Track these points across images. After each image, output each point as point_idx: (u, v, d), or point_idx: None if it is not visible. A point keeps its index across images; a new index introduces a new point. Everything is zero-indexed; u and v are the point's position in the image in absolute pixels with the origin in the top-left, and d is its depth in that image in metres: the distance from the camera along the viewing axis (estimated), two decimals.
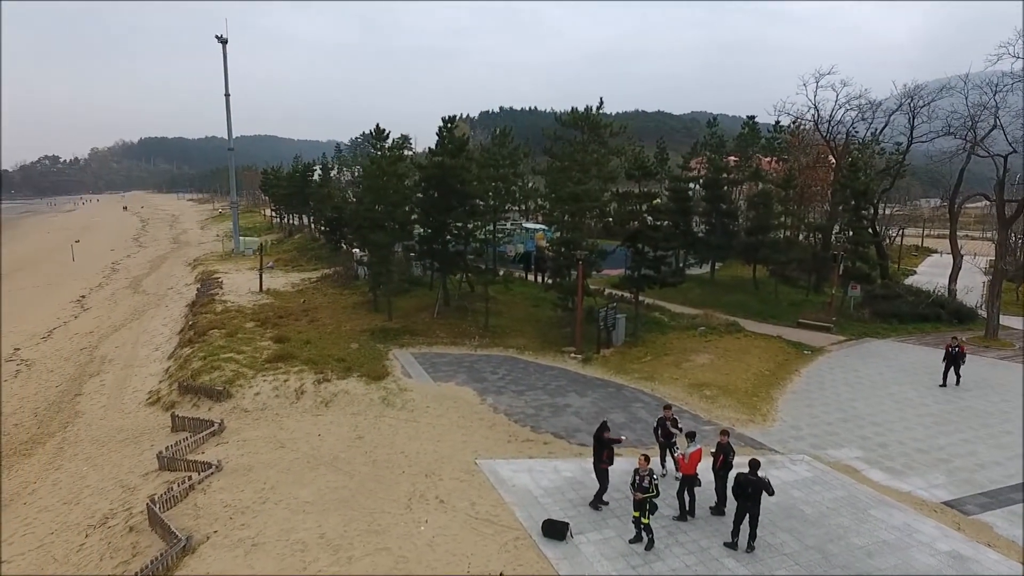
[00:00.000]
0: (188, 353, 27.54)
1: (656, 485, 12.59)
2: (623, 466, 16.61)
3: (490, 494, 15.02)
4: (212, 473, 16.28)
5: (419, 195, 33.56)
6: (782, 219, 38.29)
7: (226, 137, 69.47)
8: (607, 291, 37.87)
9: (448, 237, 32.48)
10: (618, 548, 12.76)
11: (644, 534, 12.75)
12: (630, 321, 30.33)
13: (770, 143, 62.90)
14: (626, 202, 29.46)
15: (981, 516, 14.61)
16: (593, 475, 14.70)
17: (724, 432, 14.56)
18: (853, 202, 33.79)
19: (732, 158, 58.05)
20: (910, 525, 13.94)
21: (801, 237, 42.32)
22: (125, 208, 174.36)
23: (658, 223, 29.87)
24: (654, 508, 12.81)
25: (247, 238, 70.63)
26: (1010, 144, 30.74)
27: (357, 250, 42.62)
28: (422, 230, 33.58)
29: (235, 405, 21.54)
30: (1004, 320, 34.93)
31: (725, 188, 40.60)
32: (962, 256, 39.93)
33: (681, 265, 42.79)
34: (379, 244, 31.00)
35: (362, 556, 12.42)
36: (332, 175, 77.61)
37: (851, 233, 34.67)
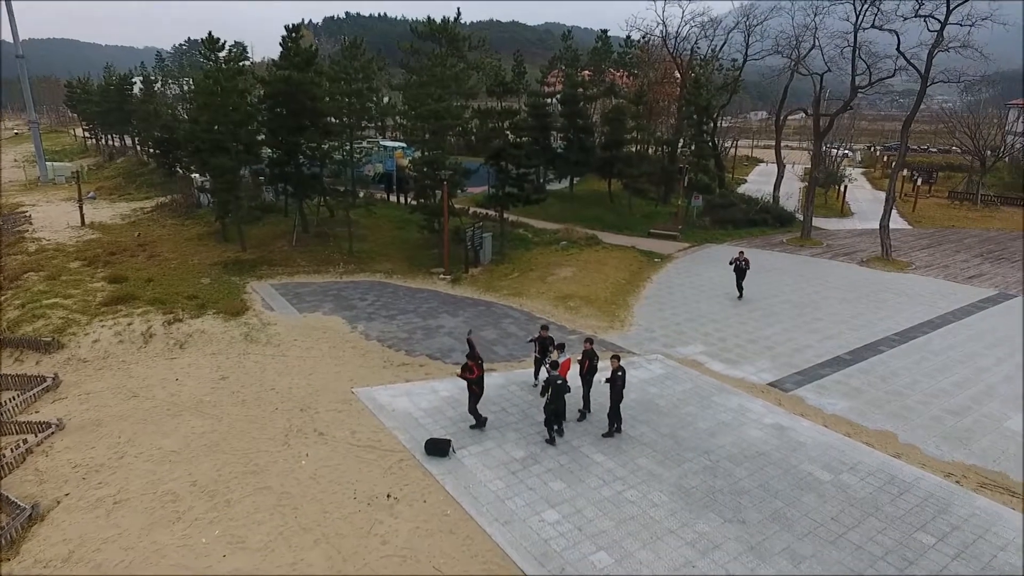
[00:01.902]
0: None
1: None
2: (497, 380, 17.47)
3: (370, 421, 15.11)
4: (52, 433, 14.75)
5: (265, 113, 30.71)
6: (634, 134, 40.04)
7: (11, 41, 57.86)
8: (472, 210, 37.96)
9: (301, 159, 30.34)
10: (498, 458, 13.55)
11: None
12: (496, 239, 30.82)
13: (622, 58, 64.42)
14: (488, 120, 29.10)
15: (796, 391, 17.24)
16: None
17: (588, 340, 15.63)
18: (696, 117, 36.03)
19: (586, 73, 58.88)
20: (743, 406, 16.15)
21: (651, 151, 44.71)
22: None
23: (520, 140, 29.97)
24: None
25: (56, 163, 60.86)
26: (826, 63, 34.06)
27: (197, 175, 38.57)
28: (271, 152, 31.02)
29: (70, 356, 19.33)
30: (816, 222, 40.04)
31: (581, 104, 41.36)
32: (784, 166, 44.54)
33: (541, 181, 43.67)
34: (223, 168, 28.26)
35: (241, 498, 12.11)
36: (157, 89, 68.09)
37: (694, 147, 37.18)
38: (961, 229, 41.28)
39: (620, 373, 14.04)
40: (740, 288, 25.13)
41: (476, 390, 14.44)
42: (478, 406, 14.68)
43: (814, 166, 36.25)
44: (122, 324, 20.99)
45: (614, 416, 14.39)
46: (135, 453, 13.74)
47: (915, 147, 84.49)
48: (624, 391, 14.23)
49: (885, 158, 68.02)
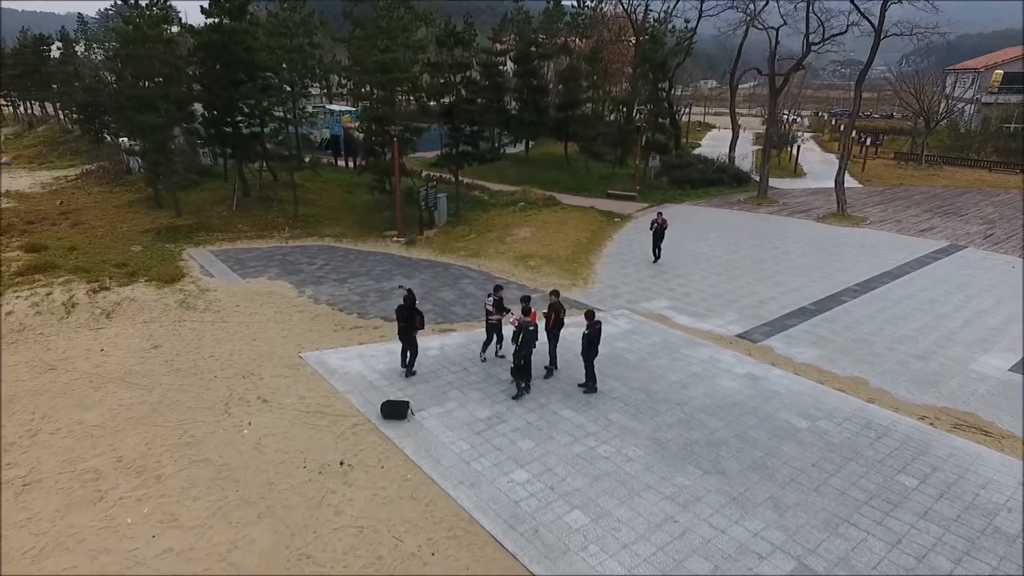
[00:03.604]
0: None
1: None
2: (458, 339, 16.45)
3: (320, 385, 13.91)
4: None
5: (197, 67, 28.33)
6: (589, 93, 38.99)
7: None
8: (425, 173, 36.44)
9: (240, 118, 28.19)
10: (462, 419, 12.60)
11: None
12: (451, 201, 29.54)
13: (575, 19, 62.99)
14: (439, 73, 27.53)
15: (765, 342, 16.82)
16: (431, 351, 14.28)
17: (554, 292, 14.75)
18: (652, 75, 35.20)
19: (539, 35, 57.38)
20: (713, 357, 15.61)
21: (606, 115, 43.83)
22: None
23: (473, 98, 28.56)
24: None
25: None
26: (782, 17, 33.66)
27: (125, 139, 35.71)
28: (205, 110, 28.73)
29: None
30: (771, 182, 40.10)
31: (535, 63, 40.00)
32: (740, 127, 44.39)
33: (496, 145, 42.37)
34: (152, 127, 25.91)
35: (174, 473, 10.82)
36: (79, 51, 63.05)
37: (651, 105, 36.45)
38: (909, 187, 42.05)
39: (598, 326, 13.28)
40: (657, 251, 23.48)
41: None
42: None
43: (769, 125, 36.05)
44: (40, 294, 18.96)
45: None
46: (51, 429, 12.20)
47: (860, 114, 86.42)
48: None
49: (833, 121, 69.08)
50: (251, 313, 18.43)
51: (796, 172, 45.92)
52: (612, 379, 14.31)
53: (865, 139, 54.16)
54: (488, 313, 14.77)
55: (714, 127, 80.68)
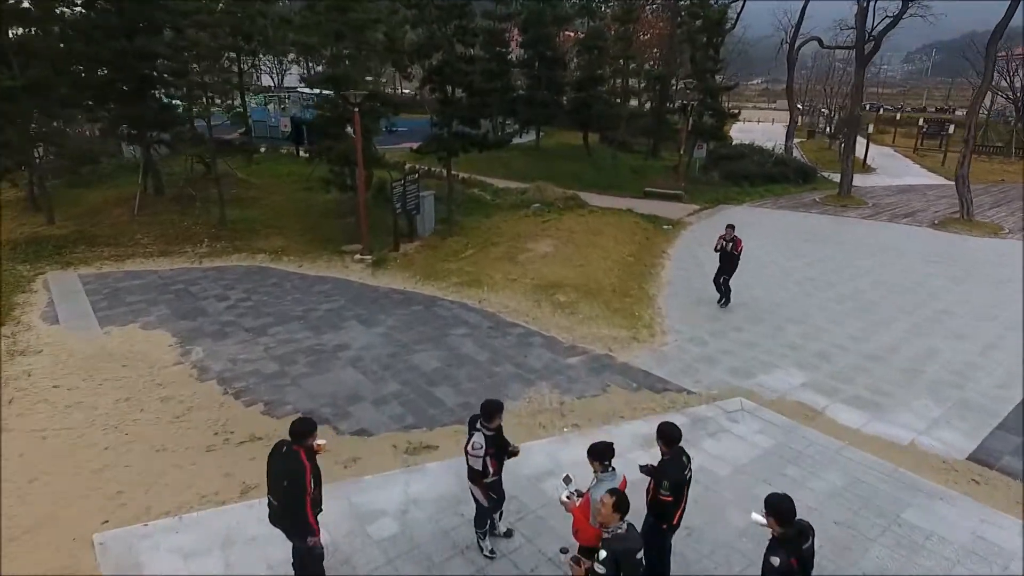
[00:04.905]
0: None
1: None
2: (440, 485, 8.15)
3: None
4: None
5: (77, 14, 20.20)
6: (620, 64, 30.80)
7: None
8: (409, 165, 28.36)
9: (157, 89, 20.17)
10: None
11: None
12: (441, 201, 21.48)
13: None
14: (423, 20, 19.34)
15: None
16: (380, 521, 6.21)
17: (664, 433, 6.30)
18: (704, 37, 27.11)
19: None
20: (978, 534, 7.48)
21: (639, 92, 35.70)
22: None
23: (471, 54, 20.47)
24: None
25: None
26: None
27: None
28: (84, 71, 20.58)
29: None
30: (837, 178, 32.37)
31: (549, 27, 31.88)
32: (797, 109, 36.37)
33: (500, 134, 34.30)
34: (8, 97, 17.73)
35: None
36: None
37: (698, 79, 28.37)
38: (1012, 184, 34.04)
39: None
40: (723, 288, 14.65)
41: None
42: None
43: (854, 103, 27.95)
44: None
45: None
46: None
47: (889, 107, 78.58)
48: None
49: (881, 111, 60.91)
50: (75, 402, 10.29)
51: (865, 168, 37.85)
52: None
53: (938, 129, 46.13)
54: (472, 456, 6.51)
55: (737, 119, 72.66)
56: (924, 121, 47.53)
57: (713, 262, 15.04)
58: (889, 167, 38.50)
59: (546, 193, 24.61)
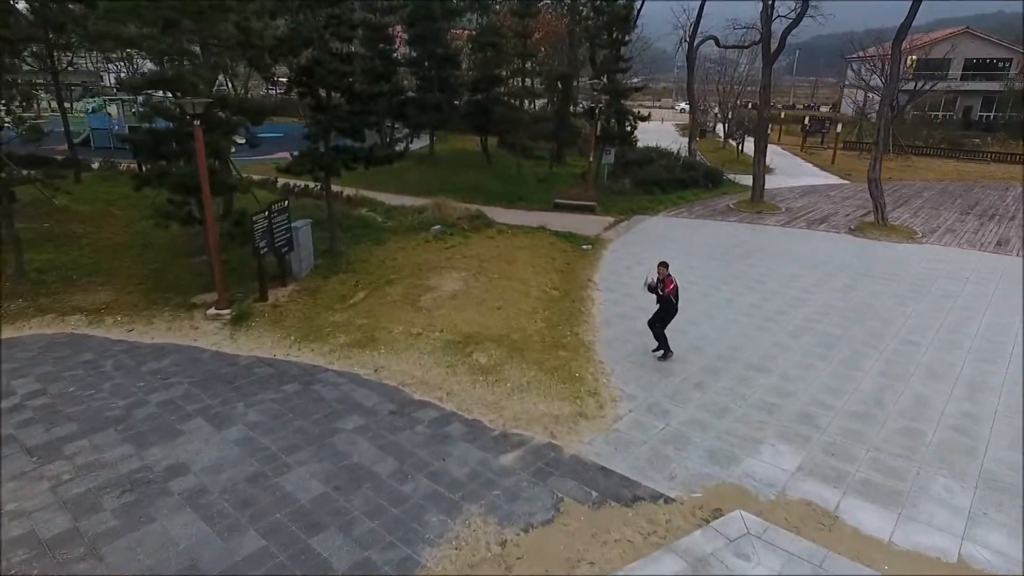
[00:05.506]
0: None
1: None
2: None
3: None
4: None
5: None
6: (519, 63, 28.06)
7: None
8: (281, 183, 24.14)
9: None
10: None
11: None
12: (321, 228, 17.67)
13: None
14: (286, 2, 15.45)
15: None
16: None
17: None
18: (612, 34, 24.94)
19: None
20: None
21: (540, 93, 33.23)
22: None
23: (348, 51, 16.80)
24: None
25: None
26: None
27: None
28: None
29: None
30: (740, 179, 31.97)
31: (439, 22, 28.60)
32: (699, 111, 35.52)
33: (388, 141, 30.64)
34: None
35: None
36: None
37: (606, 80, 26.23)
38: (899, 181, 34.92)
39: None
40: (660, 334, 12.02)
41: None
42: None
43: (763, 104, 26.96)
44: None
45: None
46: None
47: (777, 106, 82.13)
48: None
49: (783, 115, 62.76)
50: None
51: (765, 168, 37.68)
52: None
53: (817, 127, 47.51)
54: None
55: (647, 120, 72.93)
56: (808, 120, 48.95)
57: (648, 295, 12.29)
58: (785, 167, 38.66)
59: (447, 211, 21.38)
